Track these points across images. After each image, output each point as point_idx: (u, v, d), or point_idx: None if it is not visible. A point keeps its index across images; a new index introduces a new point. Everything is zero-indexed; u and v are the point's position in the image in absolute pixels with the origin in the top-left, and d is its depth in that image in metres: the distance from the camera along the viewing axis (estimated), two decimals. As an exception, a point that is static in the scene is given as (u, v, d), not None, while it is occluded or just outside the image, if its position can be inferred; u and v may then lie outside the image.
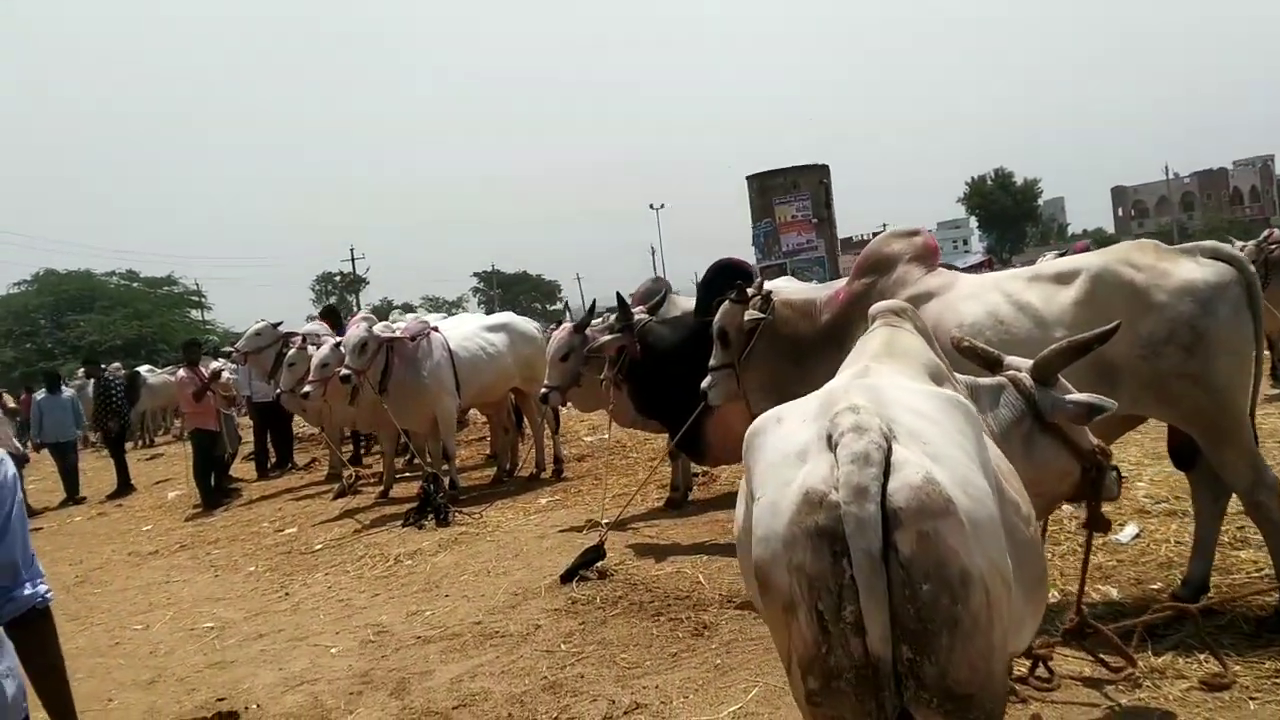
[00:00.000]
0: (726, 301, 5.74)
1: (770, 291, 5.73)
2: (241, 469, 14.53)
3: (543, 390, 8.15)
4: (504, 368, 10.35)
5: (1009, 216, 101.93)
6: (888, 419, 2.28)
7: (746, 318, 5.59)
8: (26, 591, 2.42)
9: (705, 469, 9.00)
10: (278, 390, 11.46)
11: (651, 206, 70.43)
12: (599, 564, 6.39)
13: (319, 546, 8.72)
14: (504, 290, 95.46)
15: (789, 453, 2.36)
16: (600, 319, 8.33)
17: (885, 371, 2.94)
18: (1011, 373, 3.39)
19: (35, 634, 2.45)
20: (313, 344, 11.53)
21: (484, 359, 10.19)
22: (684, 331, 7.16)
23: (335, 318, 12.89)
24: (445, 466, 9.86)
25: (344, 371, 9.08)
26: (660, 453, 10.72)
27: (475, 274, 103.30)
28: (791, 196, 18.88)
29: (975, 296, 4.93)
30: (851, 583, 2.09)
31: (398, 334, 9.65)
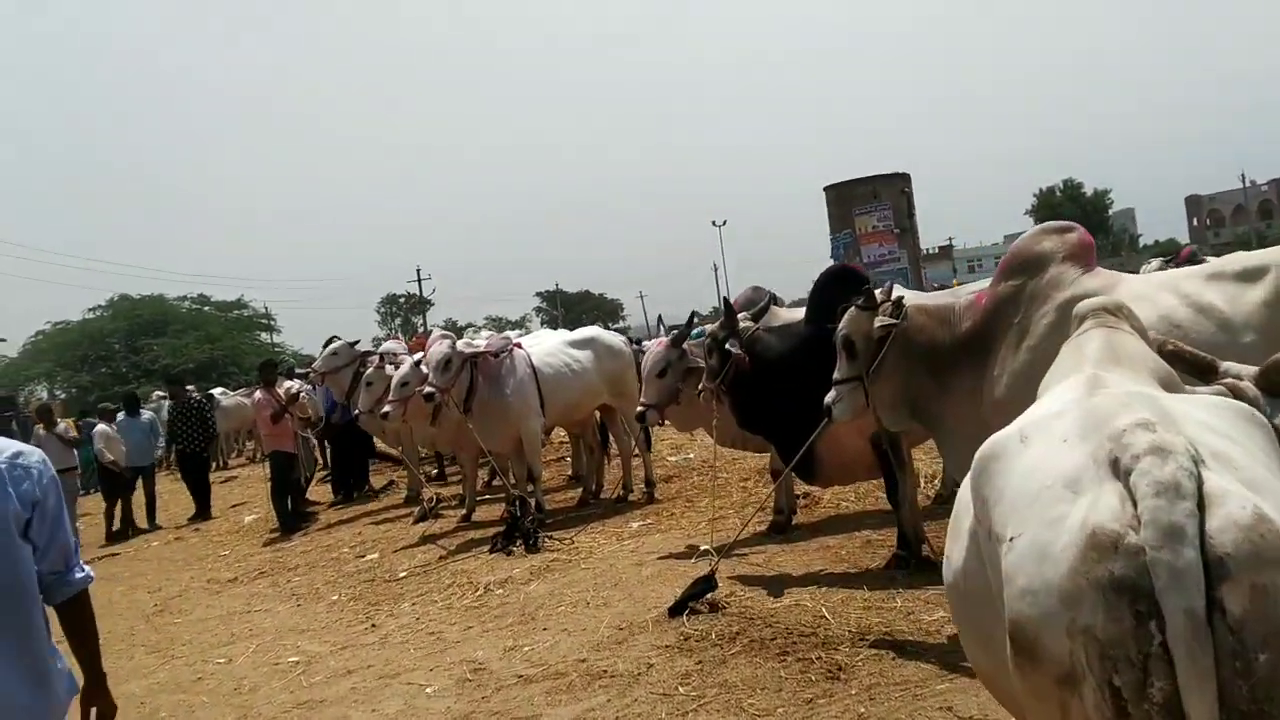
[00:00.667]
0: (852, 308, 5.24)
1: (902, 297, 5.22)
2: (317, 491, 14.32)
3: (639, 408, 7.70)
4: (590, 384, 9.93)
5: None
6: (1188, 438, 1.80)
7: (876, 325, 5.08)
8: (78, 575, 2.73)
9: (806, 490, 8.49)
10: (355, 411, 11.14)
11: (714, 224, 69.92)
12: (710, 595, 5.92)
13: (403, 574, 8.35)
14: (567, 310, 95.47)
15: (1052, 481, 1.87)
16: (697, 332, 7.90)
17: (1123, 379, 2.45)
18: (1230, 380, 2.84)
19: (80, 610, 2.77)
20: (390, 363, 11.26)
21: (569, 375, 9.79)
22: (794, 341, 6.64)
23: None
24: (530, 489, 9.43)
25: (428, 389, 8.72)
26: (752, 472, 10.27)
27: (538, 293, 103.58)
28: (872, 206, 18.32)
29: (1146, 298, 4.39)
30: (1163, 652, 1.61)
31: (481, 350, 9.27)
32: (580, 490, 10.63)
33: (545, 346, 10.06)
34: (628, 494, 10.16)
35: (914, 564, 6.32)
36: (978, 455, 2.14)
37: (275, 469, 11.75)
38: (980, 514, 2.09)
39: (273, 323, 70.99)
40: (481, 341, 10.14)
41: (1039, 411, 2.24)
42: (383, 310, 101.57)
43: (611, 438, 10.73)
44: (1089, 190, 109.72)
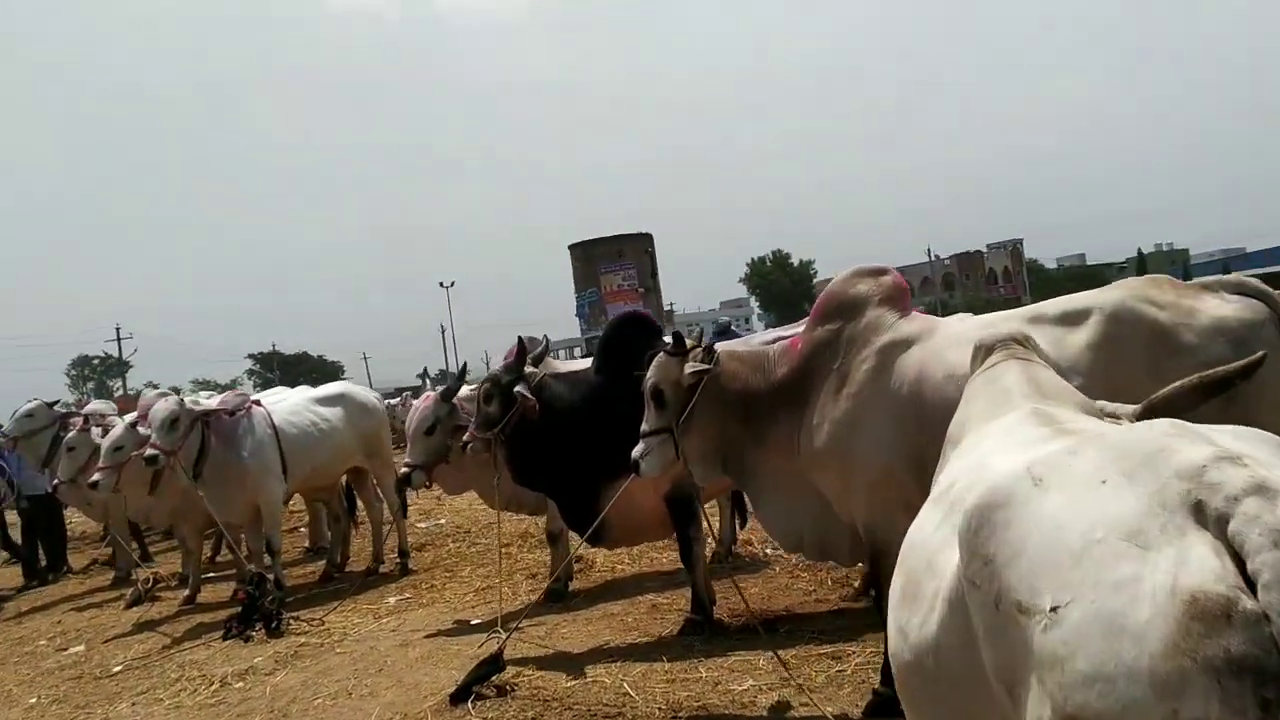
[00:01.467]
0: (661, 354, 4.85)
1: (712, 343, 4.88)
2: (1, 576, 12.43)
3: (404, 469, 6.97)
4: (340, 445, 9.05)
5: (787, 296, 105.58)
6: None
7: (687, 372, 4.70)
8: None
9: (580, 554, 8.00)
10: (55, 480, 9.69)
11: (441, 284, 68.85)
12: (496, 678, 5.28)
13: (118, 668, 7.15)
14: (283, 372, 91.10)
15: (1103, 534, 1.47)
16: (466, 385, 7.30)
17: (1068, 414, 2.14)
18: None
19: None
20: (96, 424, 9.94)
21: (316, 436, 8.87)
22: (584, 389, 6.15)
23: None
24: (268, 564, 8.41)
25: (150, 452, 7.60)
26: (513, 536, 9.69)
27: (250, 355, 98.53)
28: (617, 265, 18.39)
29: (966, 342, 4.22)
30: (1301, 750, 1.24)
31: (214, 408, 8.23)
32: (323, 564, 9.67)
33: (289, 404, 9.10)
34: (379, 566, 9.31)
35: (708, 628, 5.96)
36: (972, 505, 1.73)
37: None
38: (980, 578, 1.66)
39: (-57, 386, 63.86)
40: (210, 398, 9.07)
41: (1022, 452, 1.86)
42: (74, 373, 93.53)
43: (360, 504, 9.85)
44: (795, 260, 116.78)
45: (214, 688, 6.25)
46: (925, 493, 4.17)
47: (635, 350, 6.14)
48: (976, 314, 5.02)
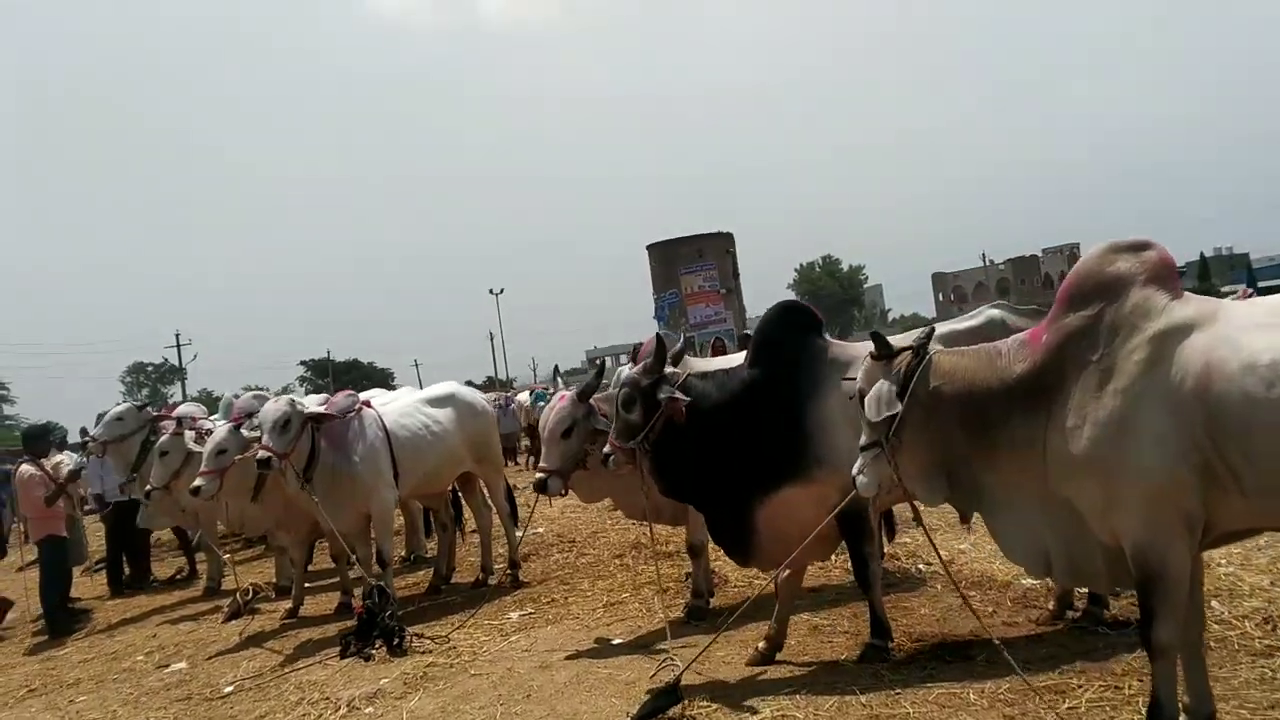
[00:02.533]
0: (866, 358, 4.30)
1: (926, 341, 4.28)
2: (81, 586, 12.02)
3: (539, 476, 6.42)
4: (452, 449, 8.54)
5: (836, 301, 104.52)
6: None
7: (895, 376, 4.12)
8: None
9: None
10: (147, 487, 9.25)
11: (491, 291, 68.89)
12: (673, 710, 4.72)
13: (229, 689, 6.67)
14: (335, 379, 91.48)
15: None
16: (607, 383, 6.75)
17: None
18: None
19: None
20: (189, 428, 9.51)
21: (428, 439, 8.36)
22: (737, 387, 5.56)
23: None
24: (378, 575, 7.91)
25: (263, 455, 7.15)
26: (625, 547, 9.16)
27: (302, 361, 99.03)
28: (698, 266, 17.86)
29: (1268, 327, 3.59)
30: None
31: (324, 411, 7.76)
32: (430, 575, 9.18)
33: (398, 405, 8.60)
34: (488, 578, 8.81)
35: (890, 655, 5.36)
36: None
37: (48, 558, 9.67)
38: None
39: (6, 392, 64.73)
40: (313, 401, 8.61)
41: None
42: (129, 380, 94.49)
43: (468, 511, 9.36)
44: (845, 265, 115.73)
45: (340, 713, 5.75)
46: (1209, 509, 3.58)
47: (793, 344, 5.60)
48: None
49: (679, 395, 5.42)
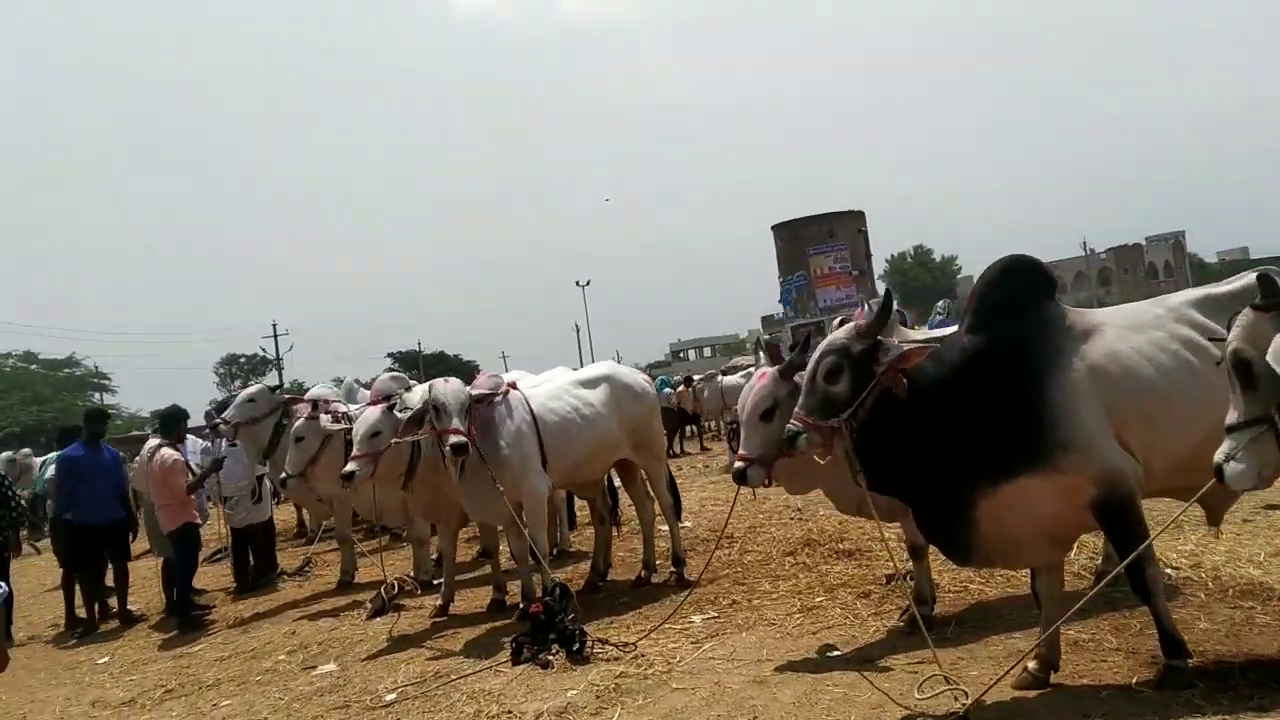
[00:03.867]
0: (1246, 311, 3.42)
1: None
2: (202, 577, 11.54)
3: (738, 465, 5.62)
4: (606, 435, 7.81)
5: (928, 293, 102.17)
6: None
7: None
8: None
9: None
10: (284, 475, 8.68)
11: (577, 284, 69.05)
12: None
13: (390, 696, 6.01)
14: (424, 372, 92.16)
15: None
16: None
17: None
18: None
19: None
20: (325, 412, 8.95)
21: (579, 424, 7.64)
22: (955, 360, 4.63)
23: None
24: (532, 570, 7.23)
25: (456, 440, 6.61)
26: (797, 544, 8.34)
27: (390, 354, 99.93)
28: (828, 246, 16.87)
29: None
30: None
31: (484, 392, 7.10)
32: (578, 570, 8.48)
33: (548, 388, 7.91)
34: (650, 575, 8.07)
35: (1195, 680, 4.44)
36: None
37: (182, 549, 9.17)
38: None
39: (107, 382, 66.12)
40: (418, 391, 8.02)
41: None
42: (221, 371, 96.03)
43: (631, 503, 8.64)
44: (938, 256, 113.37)
45: (528, 730, 5.03)
46: None
47: (1022, 308, 4.74)
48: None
49: (893, 357, 4.56)
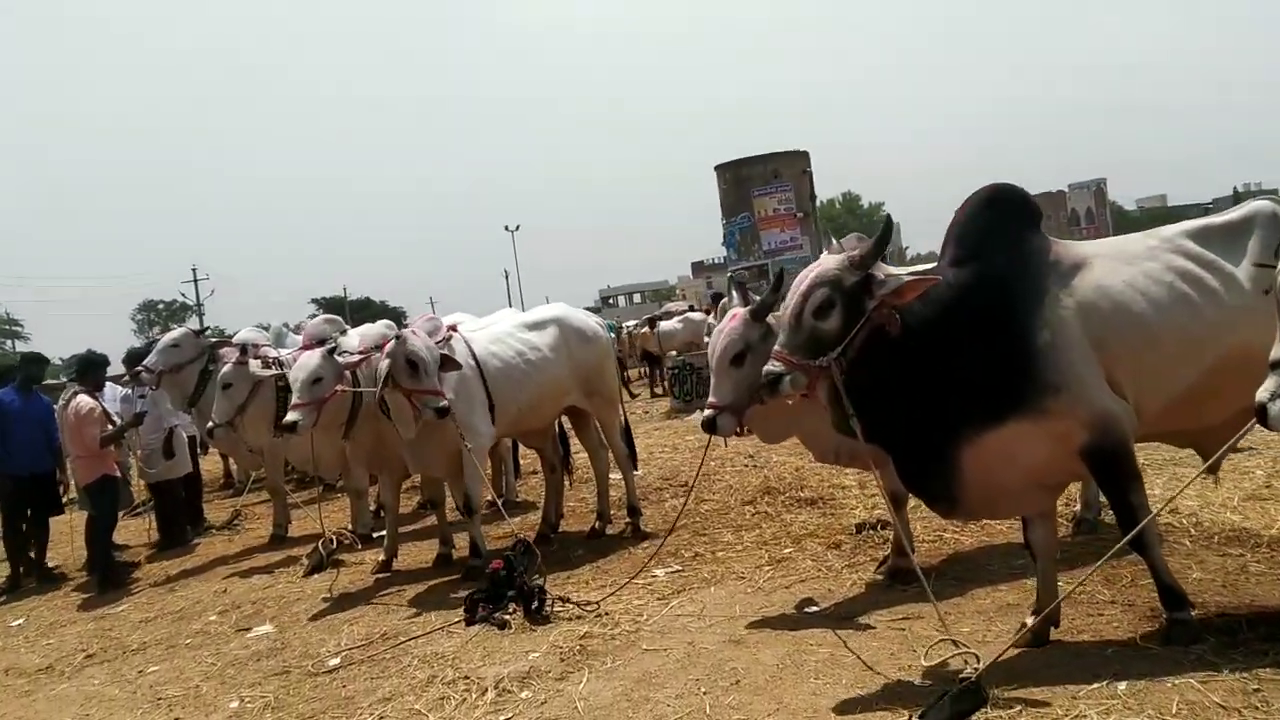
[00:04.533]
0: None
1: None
2: (125, 532, 10.93)
3: (708, 413, 5.24)
4: (554, 380, 7.42)
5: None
6: None
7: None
8: None
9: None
10: (210, 424, 8.13)
11: (506, 229, 68.05)
12: (978, 714, 3.59)
13: (335, 661, 5.59)
14: (349, 318, 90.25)
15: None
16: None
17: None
18: None
19: None
20: (254, 356, 8.40)
21: (523, 369, 7.25)
22: (941, 295, 4.20)
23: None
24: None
25: (443, 404, 6.36)
26: (755, 492, 8.04)
27: (314, 299, 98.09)
28: (773, 187, 16.35)
29: None
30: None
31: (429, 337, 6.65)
32: (538, 522, 8.09)
33: (491, 331, 7.46)
34: (604, 527, 7.72)
35: (1202, 634, 4.20)
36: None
37: (100, 503, 8.58)
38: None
39: (20, 329, 63.88)
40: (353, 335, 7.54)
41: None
42: (139, 318, 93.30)
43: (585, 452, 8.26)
44: (865, 203, 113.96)
45: (488, 697, 4.66)
46: None
47: (1006, 240, 4.41)
48: None
49: (887, 290, 4.16)
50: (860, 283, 4.20)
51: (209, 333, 9.33)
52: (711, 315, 18.13)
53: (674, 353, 19.43)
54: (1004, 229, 4.36)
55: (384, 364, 6.46)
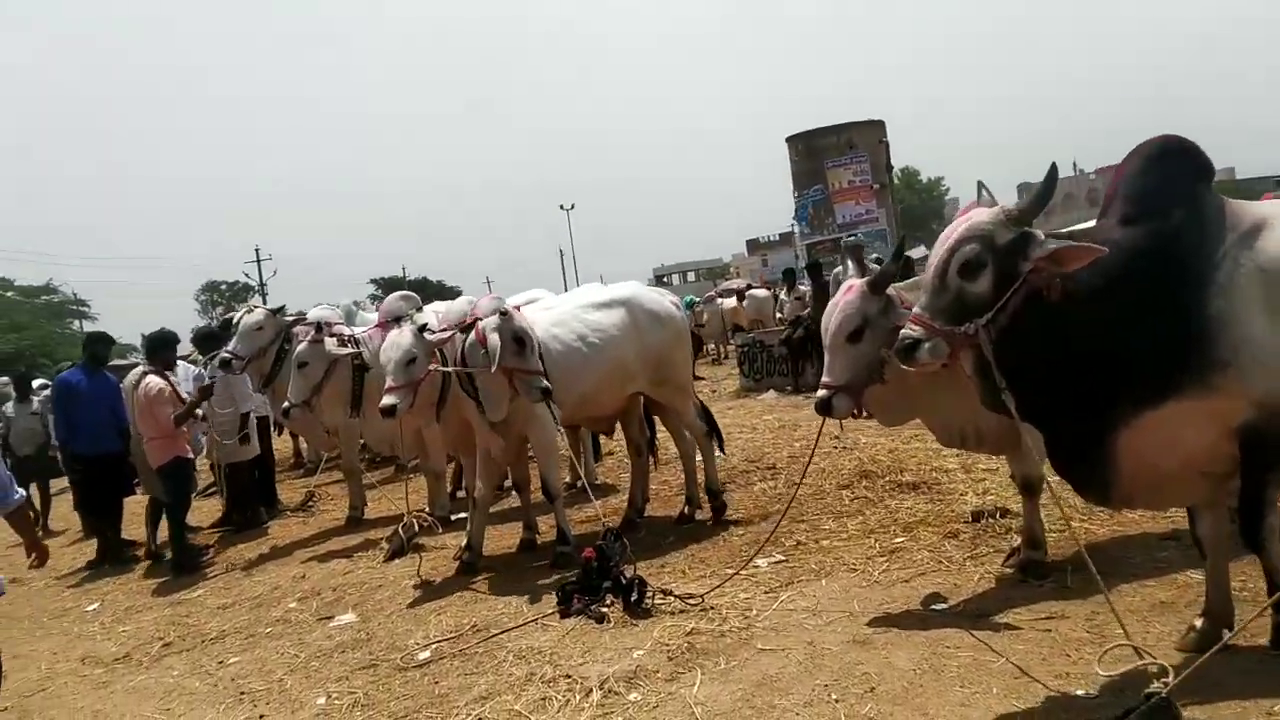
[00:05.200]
0: None
1: None
2: (197, 513, 10.76)
3: (822, 394, 4.83)
4: (618, 366, 6.93)
5: (916, 215, 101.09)
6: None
7: None
8: (15, 496, 4.46)
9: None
10: (286, 404, 7.87)
11: (561, 207, 68.05)
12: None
13: (425, 654, 5.30)
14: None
15: None
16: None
17: None
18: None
19: (20, 517, 4.56)
20: (331, 335, 8.14)
21: (584, 354, 6.78)
22: (1113, 257, 3.63)
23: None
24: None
25: (547, 383, 6.16)
26: (854, 475, 7.64)
27: (373, 280, 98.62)
28: (847, 158, 15.82)
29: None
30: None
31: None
32: (623, 506, 7.75)
33: (554, 313, 7.02)
34: (694, 511, 7.36)
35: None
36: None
37: (175, 485, 8.39)
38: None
39: (86, 309, 64.76)
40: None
41: None
42: (203, 298, 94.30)
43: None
44: (924, 178, 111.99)
45: (594, 697, 4.33)
46: None
47: (1177, 198, 3.91)
48: None
49: (1044, 250, 3.68)
50: (1016, 241, 3.72)
51: (284, 311, 9.01)
52: (783, 292, 17.63)
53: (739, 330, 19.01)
54: (1179, 185, 3.87)
55: (494, 338, 6.13)
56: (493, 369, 6.09)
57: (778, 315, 17.34)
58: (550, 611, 5.49)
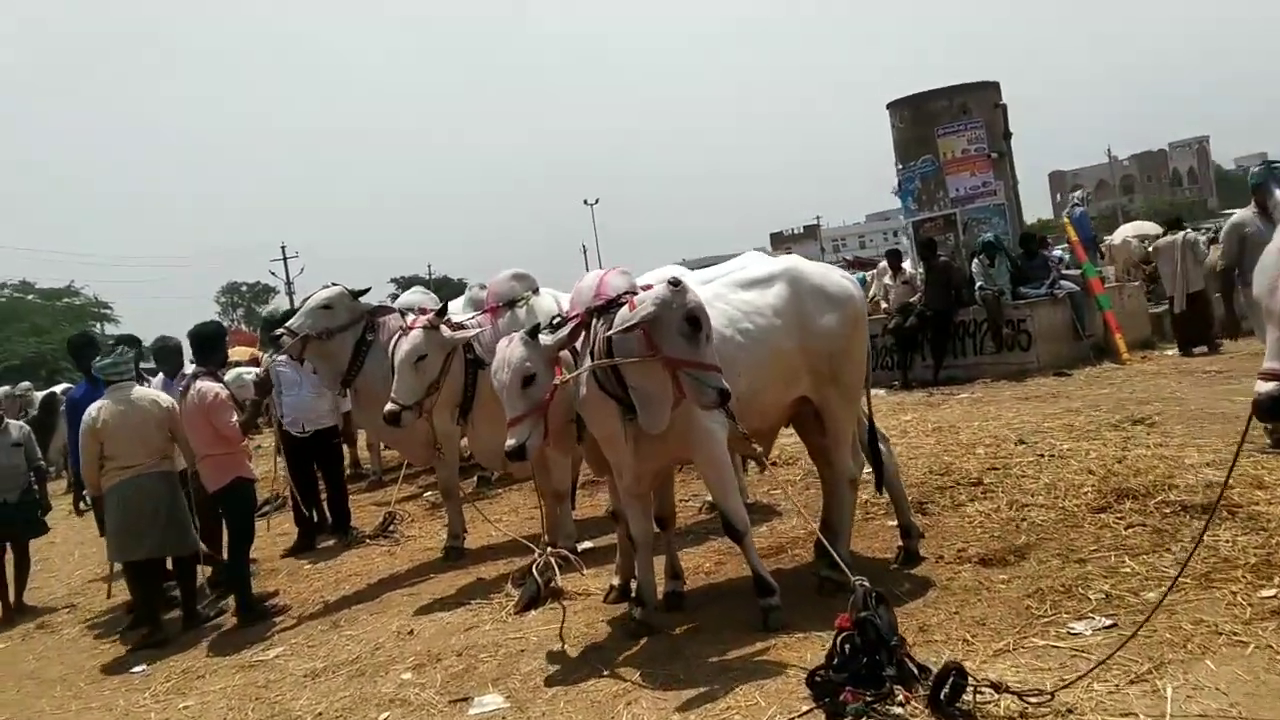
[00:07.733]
0: None
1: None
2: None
3: (1267, 387, 3.15)
4: (780, 360, 5.22)
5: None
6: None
7: None
8: None
9: None
10: (394, 406, 6.16)
11: (585, 203, 67.04)
12: None
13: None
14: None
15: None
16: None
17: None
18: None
19: None
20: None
21: (737, 345, 5.04)
22: None
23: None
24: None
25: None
26: (1113, 494, 6.00)
27: (393, 279, 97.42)
28: (962, 124, 14.12)
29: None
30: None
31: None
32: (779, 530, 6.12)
33: (701, 292, 5.23)
34: (914, 544, 5.70)
35: None
36: None
37: (237, 511, 6.78)
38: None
39: (109, 311, 63.70)
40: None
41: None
42: (223, 300, 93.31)
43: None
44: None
45: None
46: None
47: None
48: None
49: None
50: None
51: (363, 294, 7.26)
52: (888, 276, 15.92)
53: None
54: None
55: (647, 310, 4.48)
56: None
57: (883, 304, 15.65)
58: (806, 711, 3.81)
